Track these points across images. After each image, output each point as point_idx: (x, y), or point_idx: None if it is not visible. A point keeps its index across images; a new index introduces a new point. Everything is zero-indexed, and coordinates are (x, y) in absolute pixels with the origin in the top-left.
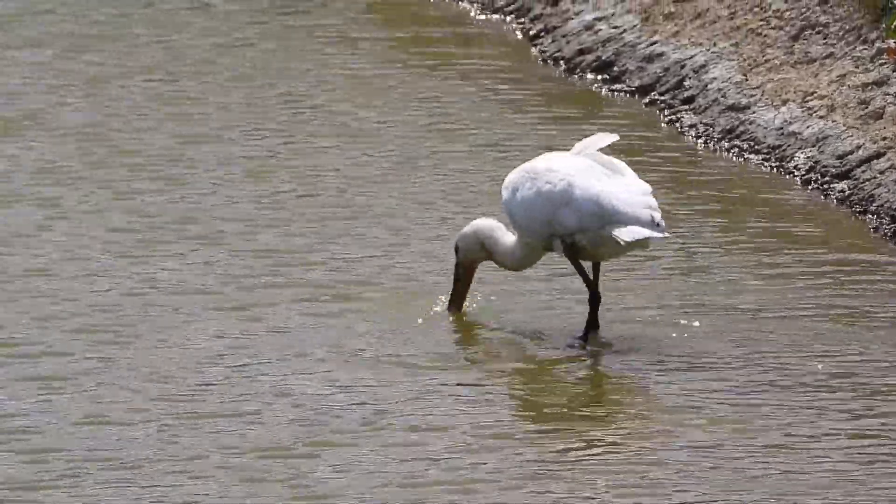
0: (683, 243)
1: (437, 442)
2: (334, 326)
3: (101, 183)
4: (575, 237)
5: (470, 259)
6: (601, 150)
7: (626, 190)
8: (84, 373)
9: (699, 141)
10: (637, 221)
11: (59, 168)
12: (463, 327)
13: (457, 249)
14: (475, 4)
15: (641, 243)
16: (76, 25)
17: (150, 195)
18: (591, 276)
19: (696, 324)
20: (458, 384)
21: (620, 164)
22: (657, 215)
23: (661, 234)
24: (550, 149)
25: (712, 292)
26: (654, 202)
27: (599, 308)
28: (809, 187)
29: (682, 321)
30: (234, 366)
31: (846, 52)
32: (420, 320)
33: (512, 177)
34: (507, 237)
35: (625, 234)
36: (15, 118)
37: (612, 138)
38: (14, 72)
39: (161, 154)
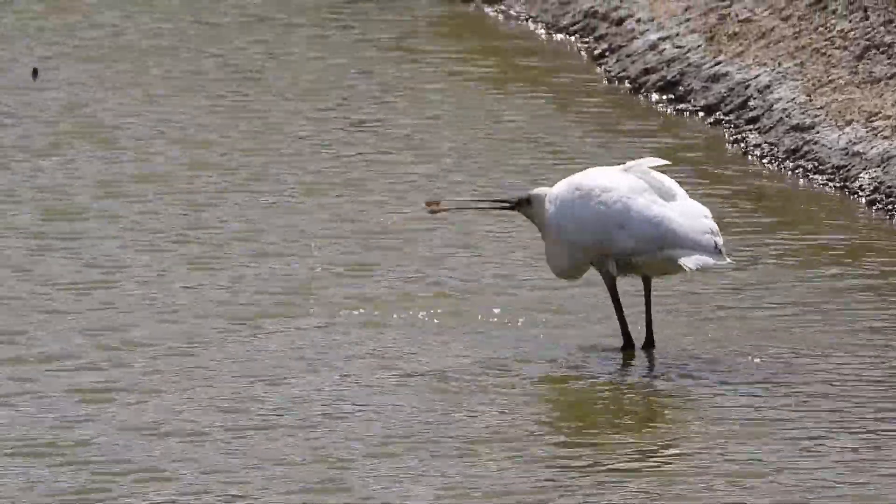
0: (747, 263)
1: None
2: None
3: (159, 195)
4: (631, 258)
5: (526, 215)
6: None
7: (684, 213)
8: (135, 384)
9: (764, 161)
10: (698, 247)
11: (117, 180)
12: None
13: (525, 201)
14: (540, 24)
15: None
16: (136, 37)
17: (209, 209)
18: (645, 300)
19: (758, 361)
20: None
21: (672, 184)
22: (719, 241)
23: (725, 262)
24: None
25: (775, 314)
26: (714, 226)
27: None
28: (874, 208)
29: (745, 344)
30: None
31: None
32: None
33: (559, 191)
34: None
35: (691, 262)
36: (79, 131)
37: (663, 162)
38: (77, 82)
39: (222, 165)
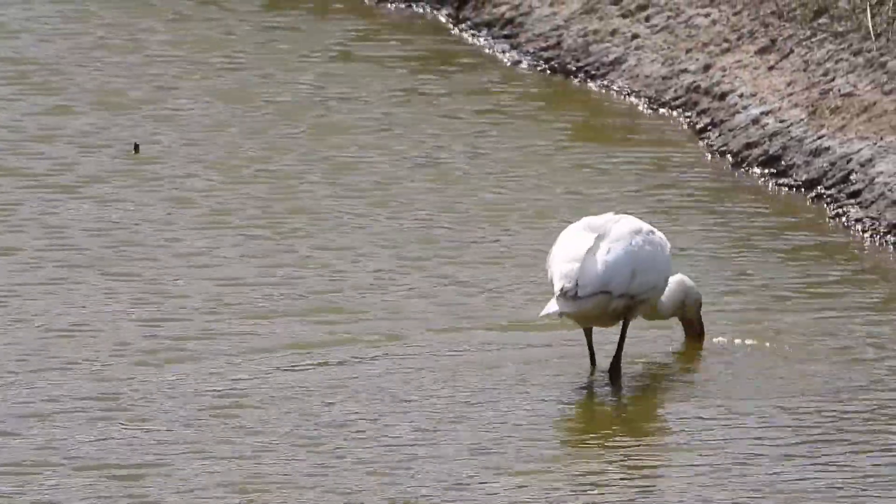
0: (848, 334)
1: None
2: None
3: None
4: None
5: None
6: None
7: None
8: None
9: (865, 235)
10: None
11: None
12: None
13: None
14: (643, 99)
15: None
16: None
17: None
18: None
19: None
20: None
21: (613, 225)
22: (568, 285)
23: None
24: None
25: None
26: (573, 270)
27: None
28: None
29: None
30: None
31: None
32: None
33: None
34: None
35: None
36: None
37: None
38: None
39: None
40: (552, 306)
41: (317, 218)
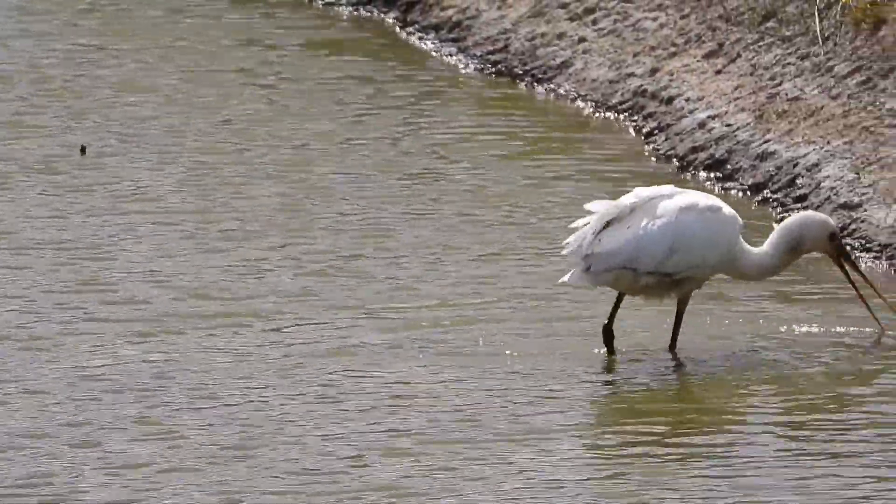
0: (799, 338)
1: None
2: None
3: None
4: None
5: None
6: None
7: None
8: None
9: None
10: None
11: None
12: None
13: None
14: (590, 102)
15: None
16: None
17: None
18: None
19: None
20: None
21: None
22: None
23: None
24: None
25: (824, 384)
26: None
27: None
28: None
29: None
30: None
31: None
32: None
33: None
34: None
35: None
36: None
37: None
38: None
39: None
40: (571, 276)
41: (249, 218)
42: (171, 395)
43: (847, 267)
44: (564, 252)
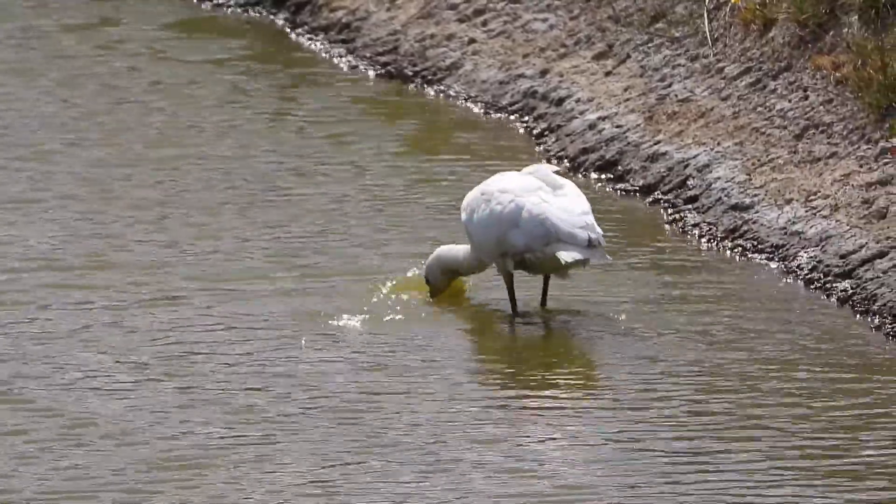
0: (685, 339)
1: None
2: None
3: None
4: (524, 256)
5: (444, 284)
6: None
7: (563, 209)
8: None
9: (702, 240)
10: (574, 241)
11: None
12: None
13: (427, 280)
14: (480, 104)
15: (581, 262)
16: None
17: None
18: (542, 291)
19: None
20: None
21: (564, 182)
22: (594, 236)
23: (599, 256)
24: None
25: (714, 387)
26: (591, 221)
27: None
28: (812, 287)
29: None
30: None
31: (850, 152)
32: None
33: (469, 198)
34: (462, 250)
35: (565, 255)
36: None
37: (556, 168)
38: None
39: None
40: (577, 254)
41: (141, 218)
42: None
43: None
44: (591, 236)
